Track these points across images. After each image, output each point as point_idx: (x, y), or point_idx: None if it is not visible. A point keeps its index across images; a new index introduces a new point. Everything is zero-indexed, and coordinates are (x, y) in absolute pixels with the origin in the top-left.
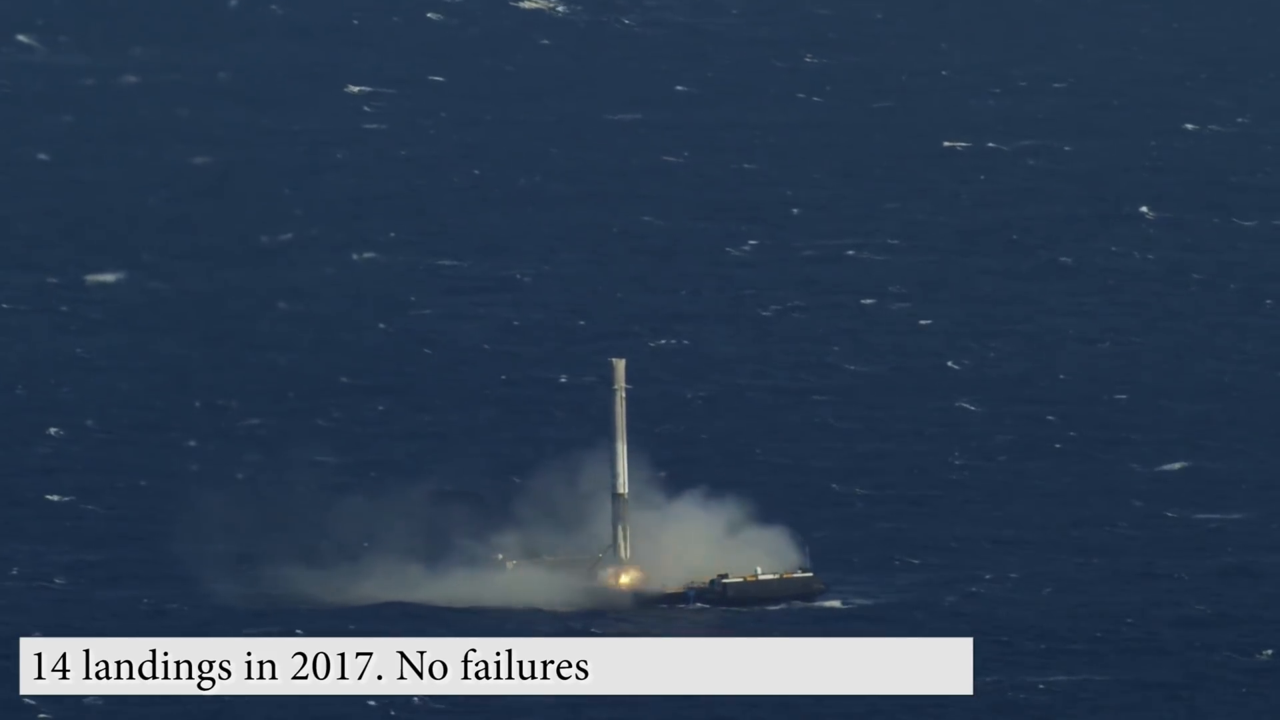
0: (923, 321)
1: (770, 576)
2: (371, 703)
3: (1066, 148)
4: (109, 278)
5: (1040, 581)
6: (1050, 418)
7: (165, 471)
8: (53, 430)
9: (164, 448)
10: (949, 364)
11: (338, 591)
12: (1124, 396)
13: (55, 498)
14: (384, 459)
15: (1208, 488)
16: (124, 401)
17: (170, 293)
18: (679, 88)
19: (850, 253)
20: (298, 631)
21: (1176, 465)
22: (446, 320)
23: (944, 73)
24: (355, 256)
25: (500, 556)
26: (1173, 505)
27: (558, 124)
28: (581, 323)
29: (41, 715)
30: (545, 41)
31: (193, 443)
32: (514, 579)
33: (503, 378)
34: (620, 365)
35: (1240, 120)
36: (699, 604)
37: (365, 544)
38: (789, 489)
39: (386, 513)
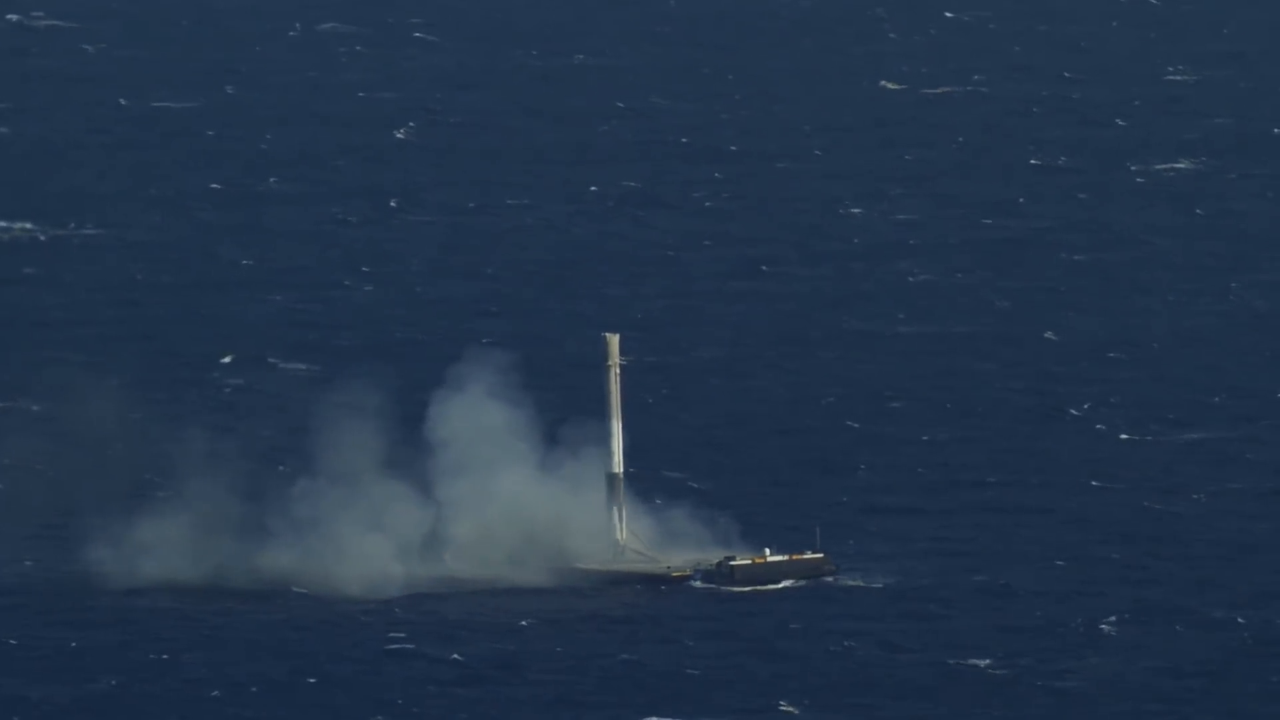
0: (921, 277)
1: (779, 558)
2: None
3: (1075, 95)
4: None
5: (1057, 557)
6: (1050, 383)
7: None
8: None
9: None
10: (949, 326)
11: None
12: (1119, 357)
13: None
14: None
15: (1229, 459)
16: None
17: (135, 243)
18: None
19: (842, 207)
20: None
21: (1194, 435)
22: (426, 276)
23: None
24: (327, 209)
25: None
26: (1196, 478)
27: (537, 69)
28: (565, 276)
29: None
30: None
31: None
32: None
33: (484, 340)
34: (614, 340)
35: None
36: (706, 586)
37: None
38: (788, 465)
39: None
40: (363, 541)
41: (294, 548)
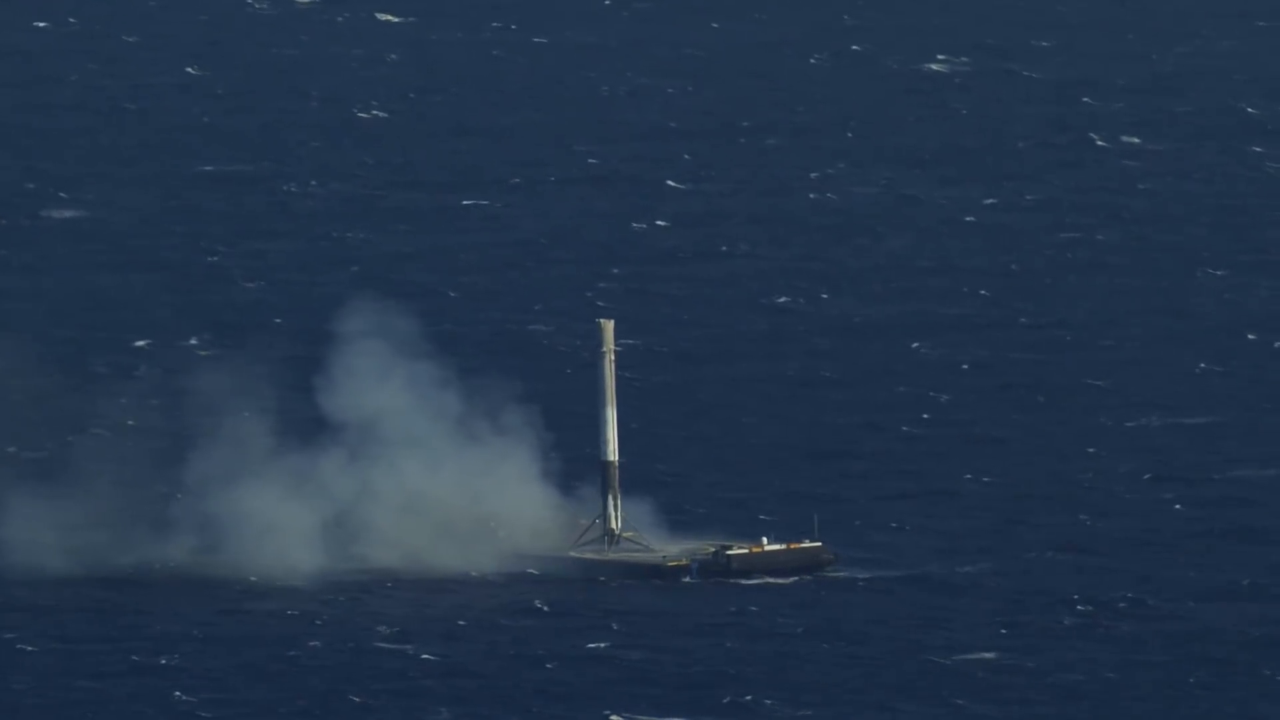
0: (906, 259)
1: (777, 547)
2: None
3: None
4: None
5: (1053, 550)
6: (1040, 368)
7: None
8: None
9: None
10: (937, 308)
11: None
12: (1109, 342)
13: None
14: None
15: (1217, 446)
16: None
17: (102, 225)
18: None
19: (826, 188)
20: None
21: (1192, 421)
22: (402, 260)
23: None
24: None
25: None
26: (1179, 464)
27: (512, 48)
28: (554, 259)
29: None
30: None
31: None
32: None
33: (470, 325)
34: (609, 326)
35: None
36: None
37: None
38: (777, 453)
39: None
40: (291, 525)
41: (206, 536)
